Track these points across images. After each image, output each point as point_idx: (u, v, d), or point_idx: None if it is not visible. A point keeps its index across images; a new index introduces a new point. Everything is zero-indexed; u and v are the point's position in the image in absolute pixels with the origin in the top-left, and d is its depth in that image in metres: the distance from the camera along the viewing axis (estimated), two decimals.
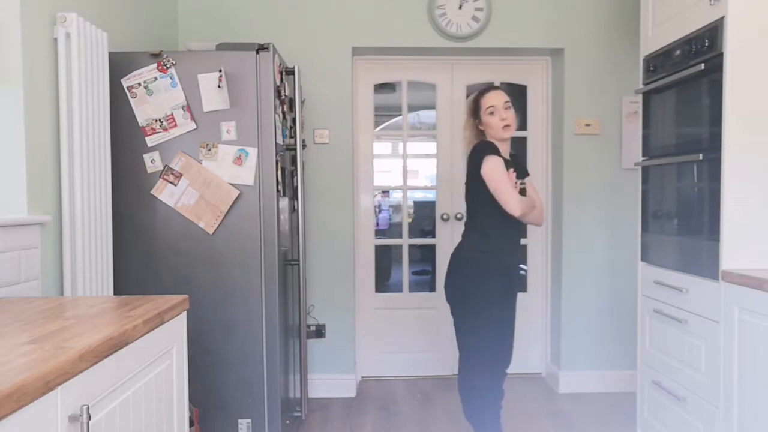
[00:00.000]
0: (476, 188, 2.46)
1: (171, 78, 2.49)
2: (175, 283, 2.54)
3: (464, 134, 2.60)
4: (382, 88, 3.90)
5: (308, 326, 3.51)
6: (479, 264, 2.48)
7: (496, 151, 2.42)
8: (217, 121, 2.51)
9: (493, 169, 2.38)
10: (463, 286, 2.50)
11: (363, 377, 3.86)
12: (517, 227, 2.55)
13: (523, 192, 2.52)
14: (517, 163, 2.61)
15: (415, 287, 3.98)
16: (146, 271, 2.54)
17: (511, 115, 2.48)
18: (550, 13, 3.56)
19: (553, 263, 3.79)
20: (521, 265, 3.97)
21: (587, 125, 3.59)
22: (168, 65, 2.49)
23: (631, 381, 3.48)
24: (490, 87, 2.61)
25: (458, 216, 3.86)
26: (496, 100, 2.48)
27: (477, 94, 2.56)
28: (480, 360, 2.50)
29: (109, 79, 2.41)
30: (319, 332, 3.59)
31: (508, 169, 2.42)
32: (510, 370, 3.88)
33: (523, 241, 3.89)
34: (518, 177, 2.52)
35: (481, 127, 2.53)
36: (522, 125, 3.88)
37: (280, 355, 2.59)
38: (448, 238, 3.88)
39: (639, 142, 2.77)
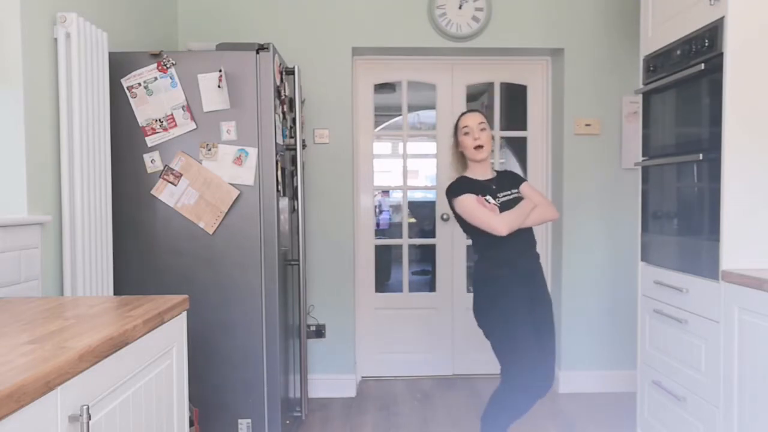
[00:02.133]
0: (462, 220, 2.55)
1: (171, 78, 2.49)
2: (175, 283, 2.54)
3: (451, 158, 2.68)
4: (382, 88, 3.90)
5: (308, 326, 3.52)
6: (495, 280, 2.48)
7: (461, 189, 2.51)
8: (217, 121, 2.51)
9: (464, 208, 2.47)
10: (485, 305, 2.50)
11: (363, 377, 3.87)
12: (520, 233, 2.50)
13: (516, 202, 2.50)
14: (504, 177, 2.63)
15: (415, 287, 3.98)
16: (146, 271, 2.54)
17: (485, 136, 2.55)
18: (550, 13, 3.56)
19: (553, 263, 3.79)
20: None
21: (587, 125, 3.59)
22: (168, 65, 2.49)
23: (631, 381, 3.49)
24: (469, 110, 2.70)
25: None
26: (471, 121, 2.57)
27: (459, 116, 2.66)
28: (521, 382, 2.41)
29: (109, 79, 2.41)
30: (319, 332, 3.59)
31: (485, 194, 2.48)
32: None
33: None
34: (506, 189, 2.55)
35: (459, 148, 2.61)
36: (522, 125, 3.89)
37: (280, 355, 2.59)
38: (448, 238, 3.88)
39: (639, 142, 2.77)
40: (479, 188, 2.52)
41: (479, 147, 2.53)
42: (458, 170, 2.64)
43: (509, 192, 2.55)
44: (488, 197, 2.50)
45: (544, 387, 2.47)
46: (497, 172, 2.65)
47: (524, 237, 2.52)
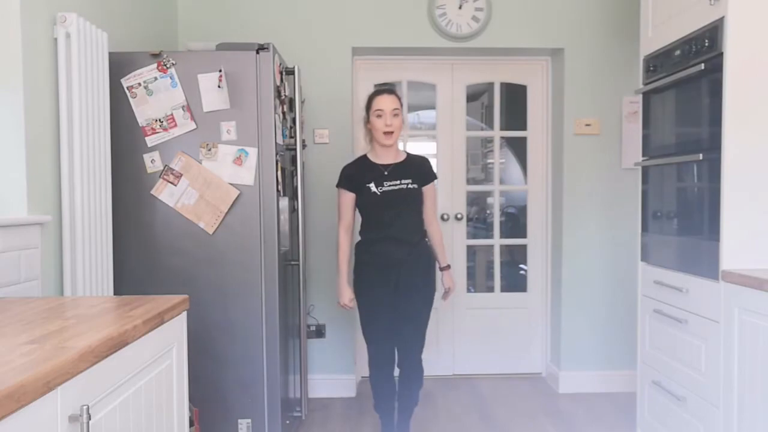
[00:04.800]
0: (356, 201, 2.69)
1: (171, 78, 2.49)
2: (175, 283, 2.53)
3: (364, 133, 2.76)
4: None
5: (308, 326, 3.51)
6: (360, 266, 2.67)
7: (343, 176, 2.66)
8: (217, 121, 2.51)
9: (338, 198, 2.69)
10: (356, 287, 2.71)
11: (363, 377, 3.86)
12: (393, 225, 2.60)
13: (401, 194, 2.57)
14: (408, 166, 2.64)
15: None
16: (146, 271, 2.54)
17: (397, 123, 2.56)
18: (550, 13, 3.56)
19: (553, 263, 3.79)
20: (522, 265, 3.97)
21: (587, 125, 3.59)
22: (168, 65, 2.49)
23: (631, 381, 3.49)
24: (386, 89, 2.66)
25: (458, 216, 3.86)
26: (386, 104, 2.56)
27: (372, 93, 2.66)
28: (371, 361, 2.70)
29: (109, 79, 2.41)
30: (319, 332, 3.59)
31: (371, 180, 2.58)
32: (510, 370, 3.91)
33: (522, 241, 3.92)
34: (398, 179, 2.59)
35: (369, 127, 2.63)
36: (522, 125, 3.89)
37: (280, 355, 2.59)
38: (448, 238, 3.88)
39: (639, 142, 2.77)
40: (370, 173, 2.59)
41: (389, 133, 2.55)
42: (368, 145, 2.71)
43: (399, 182, 2.59)
44: (371, 185, 2.57)
45: (387, 368, 2.67)
46: (408, 155, 2.68)
47: (397, 227, 2.59)
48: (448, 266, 2.82)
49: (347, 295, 2.67)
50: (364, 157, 2.69)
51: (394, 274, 2.60)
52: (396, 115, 2.56)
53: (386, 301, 2.62)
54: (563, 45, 3.57)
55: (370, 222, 2.64)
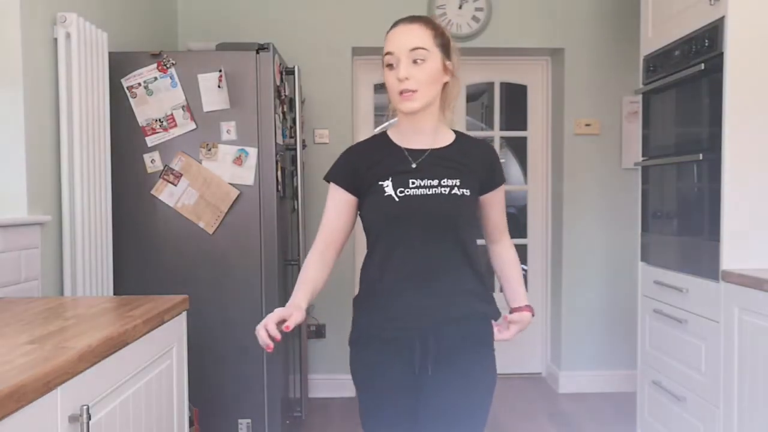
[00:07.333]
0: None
1: (171, 78, 2.49)
2: (175, 283, 2.53)
3: None
4: (382, 87, 3.88)
5: (308, 326, 3.51)
6: (357, 342, 1.56)
7: (331, 173, 1.60)
8: (217, 121, 2.51)
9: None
10: (351, 362, 1.58)
11: None
12: (411, 259, 1.47)
13: (437, 200, 1.43)
14: (456, 154, 1.48)
15: None
16: (146, 271, 2.54)
17: (421, 74, 1.38)
18: (550, 13, 3.56)
19: (553, 263, 3.79)
20: (522, 265, 3.96)
21: (587, 125, 3.59)
22: (168, 65, 2.49)
23: (631, 381, 3.48)
24: (405, 18, 1.44)
25: None
26: (398, 43, 1.39)
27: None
28: None
29: (109, 79, 2.41)
30: (319, 332, 3.59)
31: (389, 175, 1.45)
32: (510, 370, 3.91)
33: (522, 241, 3.92)
34: (436, 176, 1.44)
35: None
36: (522, 125, 3.88)
37: (280, 355, 2.59)
38: None
39: (639, 142, 2.77)
40: (387, 161, 1.47)
41: (407, 93, 1.38)
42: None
43: (437, 182, 1.43)
44: (387, 183, 1.44)
45: None
46: (459, 136, 1.52)
47: (428, 263, 1.47)
48: (528, 307, 1.59)
49: (276, 314, 1.48)
50: (383, 135, 1.57)
51: (420, 347, 1.44)
52: (419, 60, 1.37)
53: (403, 391, 1.47)
54: (563, 45, 3.57)
55: (379, 253, 1.53)
